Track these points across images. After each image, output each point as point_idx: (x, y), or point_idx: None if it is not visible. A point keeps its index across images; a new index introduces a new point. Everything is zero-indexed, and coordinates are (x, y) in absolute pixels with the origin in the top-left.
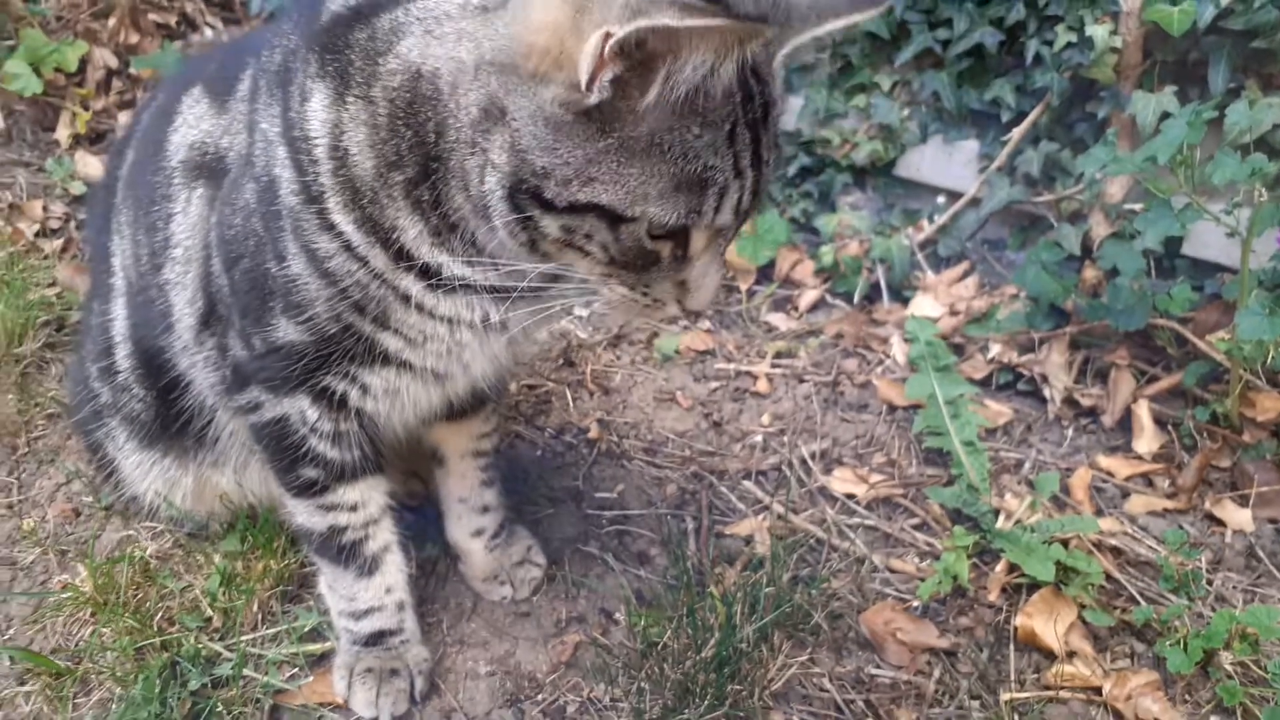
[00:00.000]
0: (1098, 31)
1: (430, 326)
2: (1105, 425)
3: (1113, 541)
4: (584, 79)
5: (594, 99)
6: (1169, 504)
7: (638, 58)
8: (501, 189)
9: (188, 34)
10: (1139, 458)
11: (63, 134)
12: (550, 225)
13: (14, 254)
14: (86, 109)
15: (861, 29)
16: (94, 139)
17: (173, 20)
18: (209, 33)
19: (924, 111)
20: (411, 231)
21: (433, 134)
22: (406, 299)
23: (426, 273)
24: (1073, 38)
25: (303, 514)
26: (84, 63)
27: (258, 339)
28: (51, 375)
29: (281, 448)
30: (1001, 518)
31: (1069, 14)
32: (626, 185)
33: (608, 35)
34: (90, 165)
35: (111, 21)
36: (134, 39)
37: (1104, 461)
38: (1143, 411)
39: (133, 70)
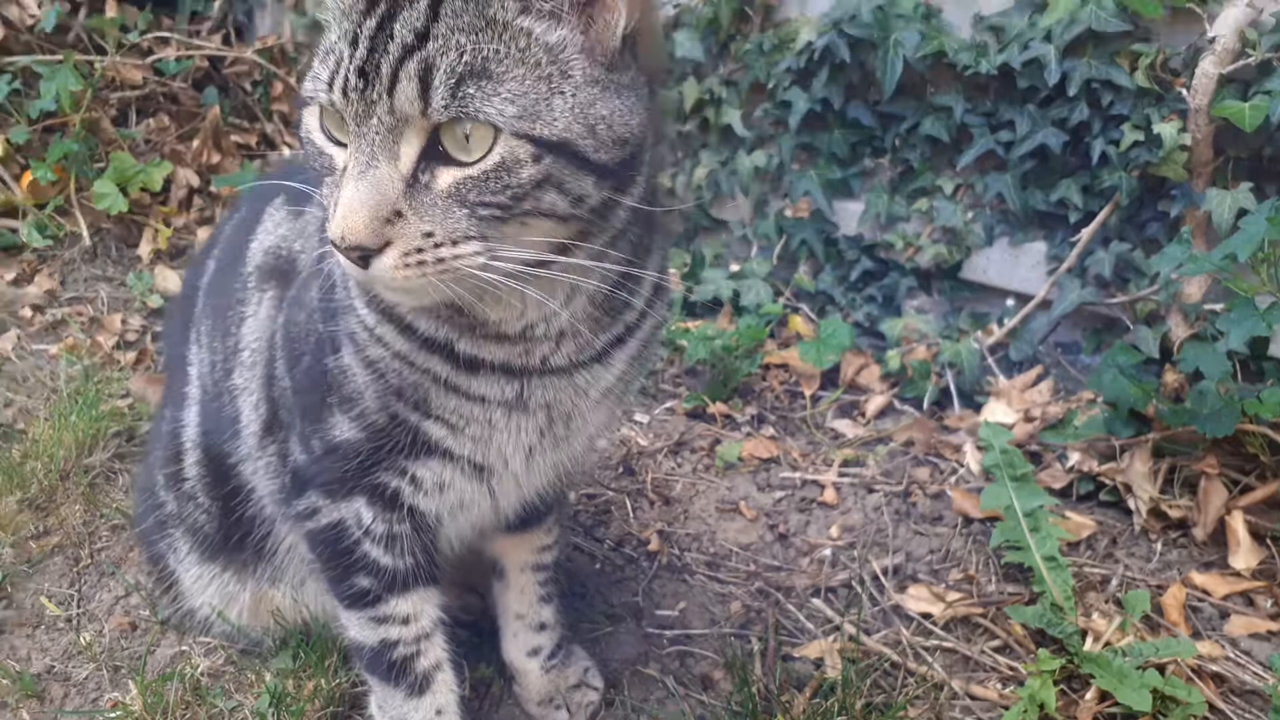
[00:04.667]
0: (1165, 129)
1: (466, 408)
2: (1197, 539)
3: (1214, 667)
4: None
5: None
6: (1273, 625)
7: None
8: None
9: (266, 153)
10: (1237, 574)
11: (145, 249)
12: None
13: (91, 366)
14: (168, 226)
15: (922, 134)
16: (174, 254)
17: (253, 140)
18: (286, 151)
19: (988, 214)
20: (405, 305)
21: None
22: (438, 380)
23: (446, 352)
24: (1139, 136)
25: (354, 627)
26: (168, 182)
27: (316, 440)
28: (119, 486)
29: (336, 554)
30: (1089, 639)
31: (1134, 113)
32: None
33: None
34: (169, 280)
35: (195, 143)
36: (215, 159)
37: (1198, 578)
38: (1237, 524)
39: (213, 188)
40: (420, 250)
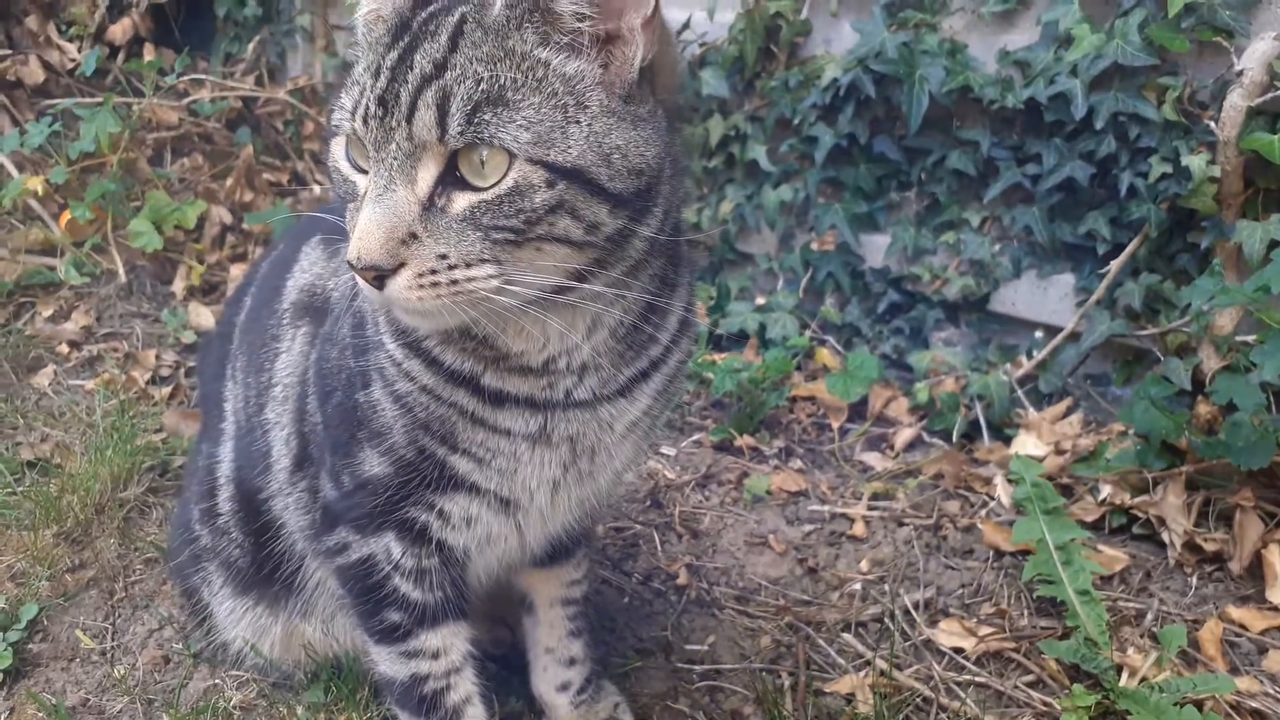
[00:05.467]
0: (1194, 162)
1: (493, 441)
2: (1233, 572)
3: (1253, 703)
4: None
5: None
6: None
7: None
8: None
9: (298, 191)
10: (1275, 609)
11: (178, 286)
12: None
13: (126, 401)
14: (201, 263)
15: (948, 168)
16: (206, 291)
17: (284, 178)
18: (317, 189)
19: (1016, 246)
20: (432, 338)
21: None
22: (465, 413)
23: (472, 385)
24: (1168, 169)
25: (385, 662)
26: (201, 220)
27: (346, 475)
28: (153, 520)
29: (366, 589)
30: (1125, 675)
31: (1162, 145)
32: None
33: None
34: (202, 315)
35: (229, 181)
36: (248, 197)
37: (1235, 613)
38: (1274, 557)
39: (245, 226)
40: (434, 271)
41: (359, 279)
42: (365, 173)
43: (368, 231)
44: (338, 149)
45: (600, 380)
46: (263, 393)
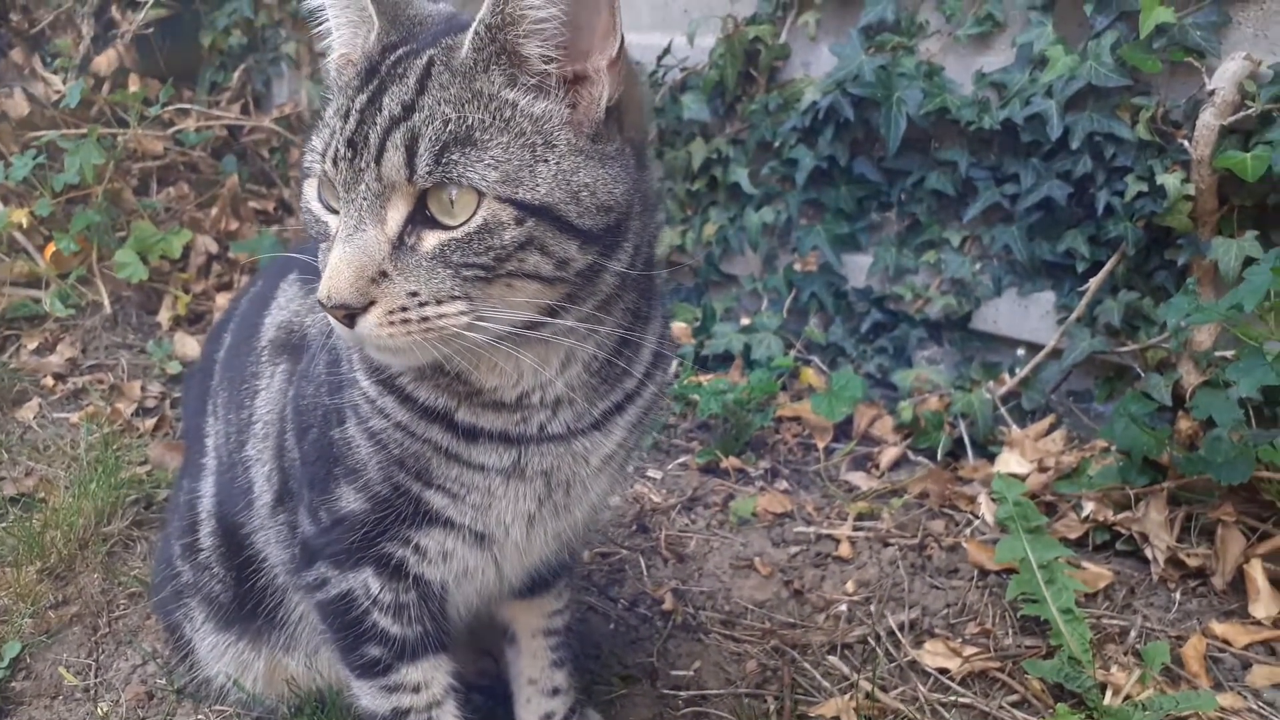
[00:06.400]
0: (1169, 180)
1: (467, 476)
2: (1216, 588)
3: (1236, 719)
4: None
5: None
6: None
7: None
8: None
9: (283, 219)
10: (1258, 623)
11: (164, 316)
12: None
13: (110, 433)
14: (187, 292)
15: (927, 188)
16: (193, 320)
17: (270, 206)
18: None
19: (996, 265)
20: (406, 375)
21: None
22: (439, 449)
23: (446, 421)
24: (1144, 187)
25: (366, 696)
26: (187, 249)
27: (324, 511)
28: (137, 554)
29: (346, 624)
30: (1109, 693)
31: (1137, 164)
32: None
33: None
34: (188, 345)
35: (214, 210)
36: (234, 225)
37: (1218, 628)
38: (1257, 572)
39: (231, 254)
40: (405, 309)
41: (330, 318)
42: (337, 213)
43: (338, 271)
44: (310, 190)
45: (574, 414)
46: (243, 429)
